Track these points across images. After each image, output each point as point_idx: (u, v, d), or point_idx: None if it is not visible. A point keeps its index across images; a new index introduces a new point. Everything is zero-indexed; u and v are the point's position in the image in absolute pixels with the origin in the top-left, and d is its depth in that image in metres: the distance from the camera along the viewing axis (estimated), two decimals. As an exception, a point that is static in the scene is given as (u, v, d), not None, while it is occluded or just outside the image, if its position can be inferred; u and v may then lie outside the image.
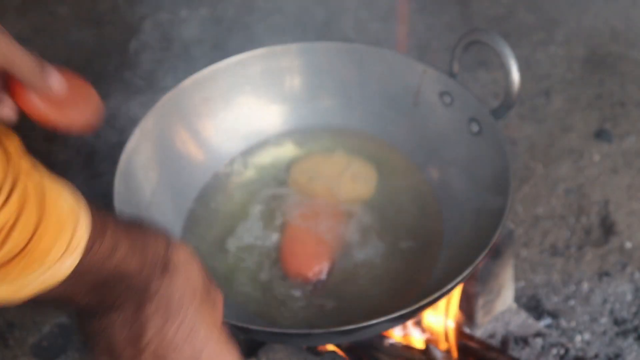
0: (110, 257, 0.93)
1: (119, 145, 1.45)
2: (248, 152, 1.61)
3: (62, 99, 1.21)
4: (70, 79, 1.25)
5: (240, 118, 1.60)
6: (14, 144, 0.86)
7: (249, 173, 1.58)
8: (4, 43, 1.13)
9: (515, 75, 1.44)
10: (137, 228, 0.98)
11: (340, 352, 1.52)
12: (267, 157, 1.60)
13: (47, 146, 2.04)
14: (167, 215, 1.50)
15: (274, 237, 1.50)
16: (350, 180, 1.57)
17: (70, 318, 1.83)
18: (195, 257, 1.02)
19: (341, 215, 1.52)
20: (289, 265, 1.45)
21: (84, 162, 1.98)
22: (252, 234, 1.51)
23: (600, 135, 2.12)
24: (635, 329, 1.78)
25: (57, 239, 0.88)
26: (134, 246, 0.96)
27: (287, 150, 1.61)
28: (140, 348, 0.98)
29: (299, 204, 1.54)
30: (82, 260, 0.91)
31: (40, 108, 1.20)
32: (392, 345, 1.54)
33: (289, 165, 1.59)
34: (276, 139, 1.62)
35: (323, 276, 1.44)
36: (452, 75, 1.52)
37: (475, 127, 1.50)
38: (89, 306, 0.97)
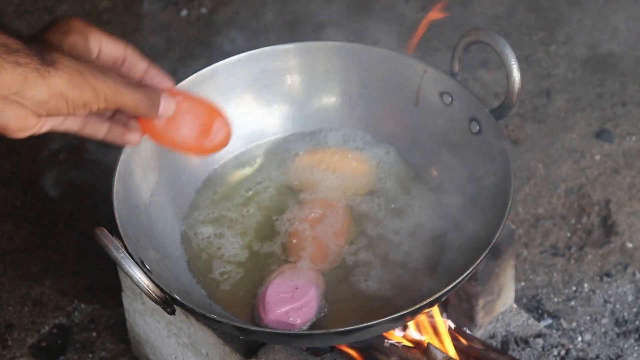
0: None
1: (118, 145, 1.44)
2: (247, 151, 1.60)
3: (182, 122, 1.31)
4: (190, 102, 1.33)
5: (240, 118, 1.60)
6: None
7: (249, 173, 1.58)
8: (110, 87, 1.19)
9: (516, 75, 1.43)
10: None
11: (340, 353, 1.52)
12: (267, 156, 1.60)
13: (43, 143, 2.04)
14: (167, 215, 1.49)
15: (275, 240, 1.50)
16: (349, 173, 1.57)
17: (69, 318, 1.82)
18: None
19: (340, 219, 1.52)
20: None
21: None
22: (252, 233, 1.51)
23: (601, 135, 2.12)
24: (636, 329, 1.78)
25: None
26: None
27: (286, 150, 1.60)
28: None
29: (297, 208, 1.54)
30: None
31: (159, 133, 1.31)
32: (392, 346, 1.54)
33: (289, 164, 1.59)
34: (276, 139, 1.61)
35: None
36: (452, 75, 1.52)
37: (475, 127, 1.50)
38: None
